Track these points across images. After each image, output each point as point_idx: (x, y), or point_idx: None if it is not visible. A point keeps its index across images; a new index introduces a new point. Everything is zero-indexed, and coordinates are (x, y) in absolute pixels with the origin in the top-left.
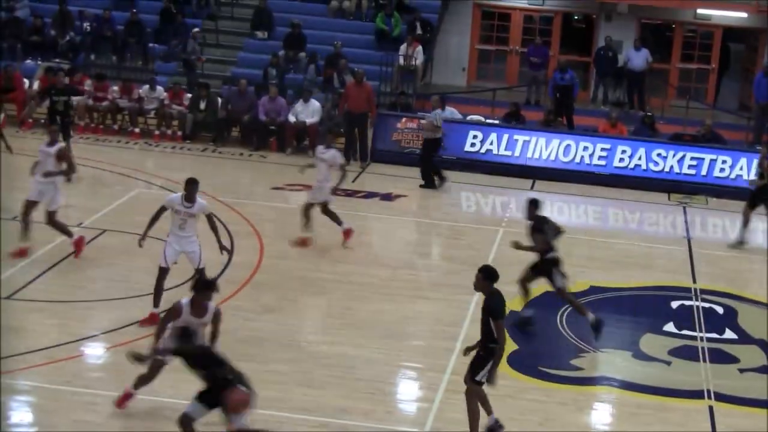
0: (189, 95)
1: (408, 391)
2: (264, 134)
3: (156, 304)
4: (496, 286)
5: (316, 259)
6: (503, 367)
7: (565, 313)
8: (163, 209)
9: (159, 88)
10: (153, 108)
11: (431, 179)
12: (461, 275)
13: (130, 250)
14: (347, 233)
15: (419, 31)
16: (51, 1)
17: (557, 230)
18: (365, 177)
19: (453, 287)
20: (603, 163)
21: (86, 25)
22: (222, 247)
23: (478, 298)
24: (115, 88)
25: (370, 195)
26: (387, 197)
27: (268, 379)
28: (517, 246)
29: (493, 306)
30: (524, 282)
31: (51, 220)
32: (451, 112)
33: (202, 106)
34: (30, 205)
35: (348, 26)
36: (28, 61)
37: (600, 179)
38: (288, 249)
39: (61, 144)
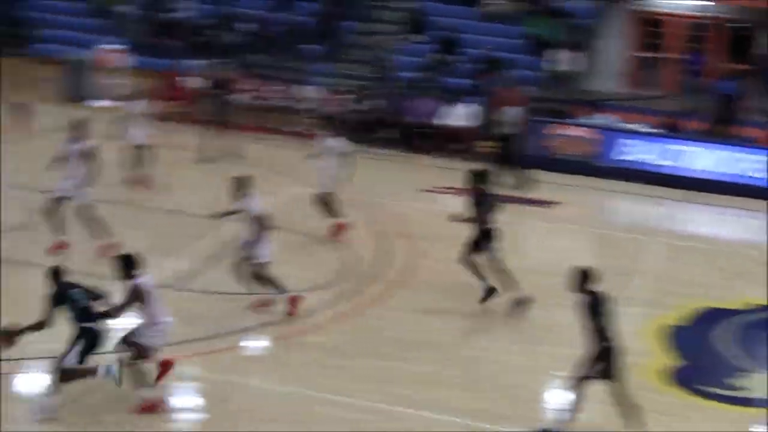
0: (344, 96)
1: (553, 398)
2: (416, 136)
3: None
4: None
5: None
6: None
7: (731, 330)
8: None
9: (316, 88)
10: (309, 108)
11: None
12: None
13: None
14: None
15: (574, 36)
16: (213, 3)
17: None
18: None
19: None
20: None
21: (247, 26)
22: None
23: (633, 308)
24: (274, 87)
25: (523, 202)
26: (539, 203)
27: (415, 379)
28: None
29: (591, 304)
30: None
31: None
32: (607, 119)
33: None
34: None
35: (501, 30)
36: (190, 61)
37: (764, 192)
38: (445, 251)
39: None
